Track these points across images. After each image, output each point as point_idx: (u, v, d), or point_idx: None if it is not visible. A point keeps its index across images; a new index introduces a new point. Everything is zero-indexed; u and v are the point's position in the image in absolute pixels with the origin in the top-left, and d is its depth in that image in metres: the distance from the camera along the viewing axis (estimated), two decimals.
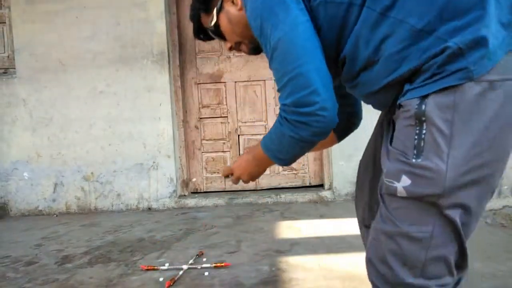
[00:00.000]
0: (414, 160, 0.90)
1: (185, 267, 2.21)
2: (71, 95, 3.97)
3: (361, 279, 1.93)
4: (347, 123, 1.40)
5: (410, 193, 0.91)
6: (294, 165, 4.11)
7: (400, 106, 0.96)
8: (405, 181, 0.91)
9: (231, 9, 1.24)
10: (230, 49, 1.33)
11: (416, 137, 0.91)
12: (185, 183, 4.15)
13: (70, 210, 4.00)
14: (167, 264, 2.27)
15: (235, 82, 4.14)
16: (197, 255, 2.42)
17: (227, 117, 4.18)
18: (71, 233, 3.18)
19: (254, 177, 1.35)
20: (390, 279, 0.97)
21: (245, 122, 4.16)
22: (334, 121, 1.02)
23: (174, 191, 3.96)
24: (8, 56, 4.10)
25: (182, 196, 4.05)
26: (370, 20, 0.96)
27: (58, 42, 3.95)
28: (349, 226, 2.76)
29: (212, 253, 2.47)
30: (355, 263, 2.13)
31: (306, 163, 4.15)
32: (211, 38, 1.36)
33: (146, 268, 2.25)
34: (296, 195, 3.88)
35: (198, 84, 4.17)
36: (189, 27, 4.10)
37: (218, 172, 4.19)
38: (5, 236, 3.23)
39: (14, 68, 4.03)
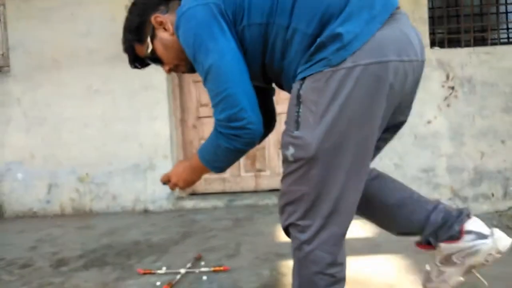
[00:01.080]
0: (294, 132, 1.18)
1: (182, 271, 2.19)
2: (65, 94, 3.94)
3: (363, 284, 1.92)
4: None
5: (294, 158, 1.18)
6: None
7: (291, 87, 1.25)
8: (291, 149, 1.19)
9: (163, 35, 1.40)
10: (169, 71, 1.49)
11: (295, 114, 1.19)
12: None
13: (65, 212, 3.97)
14: (164, 268, 2.25)
15: None
16: (195, 258, 2.40)
17: None
18: (66, 236, 3.16)
19: (189, 183, 1.53)
20: (284, 219, 1.27)
21: None
22: (260, 132, 1.26)
23: (172, 192, 3.90)
24: (2, 54, 4.06)
25: (179, 198, 4.01)
26: (280, 33, 1.22)
27: (53, 39, 3.92)
28: (351, 229, 2.70)
29: (211, 256, 2.45)
30: (357, 267, 2.11)
31: None
32: (147, 65, 1.53)
33: (142, 272, 2.23)
34: None
35: (196, 82, 4.10)
36: None
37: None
38: None
39: (9, 66, 4.00)
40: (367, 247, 2.42)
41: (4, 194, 3.99)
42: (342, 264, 1.28)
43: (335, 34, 1.12)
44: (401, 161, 3.74)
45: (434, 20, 3.86)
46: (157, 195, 3.91)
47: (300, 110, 1.18)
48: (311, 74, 1.16)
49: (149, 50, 1.43)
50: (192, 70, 1.43)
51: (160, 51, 1.42)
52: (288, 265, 2.20)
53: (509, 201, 3.67)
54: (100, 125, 3.92)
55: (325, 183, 1.18)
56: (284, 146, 1.22)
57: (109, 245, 2.81)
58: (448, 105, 3.71)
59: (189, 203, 3.90)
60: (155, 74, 3.83)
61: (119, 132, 3.90)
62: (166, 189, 3.89)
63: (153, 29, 1.40)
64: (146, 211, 3.91)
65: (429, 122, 3.72)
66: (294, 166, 1.20)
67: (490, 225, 3.05)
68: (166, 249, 2.65)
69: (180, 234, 3.01)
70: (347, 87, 1.12)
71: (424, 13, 3.70)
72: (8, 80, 3.95)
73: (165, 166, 3.88)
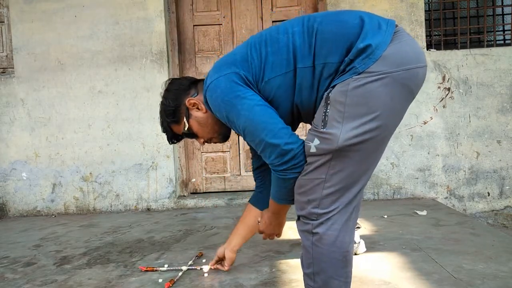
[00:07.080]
0: (321, 129, 1.29)
1: (184, 268, 2.20)
2: (69, 95, 3.96)
3: (361, 280, 1.92)
4: None
5: (318, 150, 1.29)
6: None
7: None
8: (316, 141, 1.29)
9: (198, 114, 1.65)
10: (203, 143, 1.73)
11: (323, 114, 1.30)
12: (185, 184, 4.13)
13: (69, 211, 3.99)
14: (166, 265, 2.25)
15: None
16: (196, 256, 2.41)
17: None
18: (70, 234, 3.17)
19: (282, 225, 1.82)
20: (300, 209, 1.38)
21: None
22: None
23: (173, 191, 3.94)
24: (6, 56, 4.08)
25: (181, 197, 4.04)
26: (307, 72, 1.36)
27: (57, 41, 3.94)
28: None
29: (212, 254, 2.42)
30: (355, 264, 2.09)
31: None
32: (182, 139, 1.79)
33: (145, 269, 2.24)
34: None
35: None
36: (188, 26, 4.09)
37: (217, 172, 4.17)
38: (3, 237, 3.21)
39: (13, 68, 4.02)
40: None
41: (8, 193, 4.01)
42: (351, 243, 1.38)
43: (360, 49, 1.27)
44: (398, 160, 3.78)
45: (430, 22, 3.89)
46: (159, 194, 3.94)
47: (328, 110, 1.29)
48: (340, 82, 1.29)
49: (186, 128, 1.67)
50: (224, 139, 1.70)
51: (195, 128, 1.67)
52: (287, 262, 2.23)
53: (505, 200, 3.70)
54: (103, 126, 3.94)
55: (344, 174, 1.30)
56: (308, 140, 1.33)
57: (112, 243, 2.82)
58: (444, 106, 3.75)
59: (190, 202, 3.92)
60: (157, 75, 3.88)
61: (122, 132, 3.93)
62: (168, 188, 3.94)
63: (187, 110, 1.64)
64: (148, 210, 3.94)
65: (425, 122, 3.76)
66: (316, 158, 1.30)
67: (486, 224, 3.09)
68: (168, 247, 2.65)
69: (182, 232, 3.01)
70: (374, 91, 1.25)
71: (421, 16, 3.73)
72: (12, 81, 3.97)
73: (167, 166, 3.93)
